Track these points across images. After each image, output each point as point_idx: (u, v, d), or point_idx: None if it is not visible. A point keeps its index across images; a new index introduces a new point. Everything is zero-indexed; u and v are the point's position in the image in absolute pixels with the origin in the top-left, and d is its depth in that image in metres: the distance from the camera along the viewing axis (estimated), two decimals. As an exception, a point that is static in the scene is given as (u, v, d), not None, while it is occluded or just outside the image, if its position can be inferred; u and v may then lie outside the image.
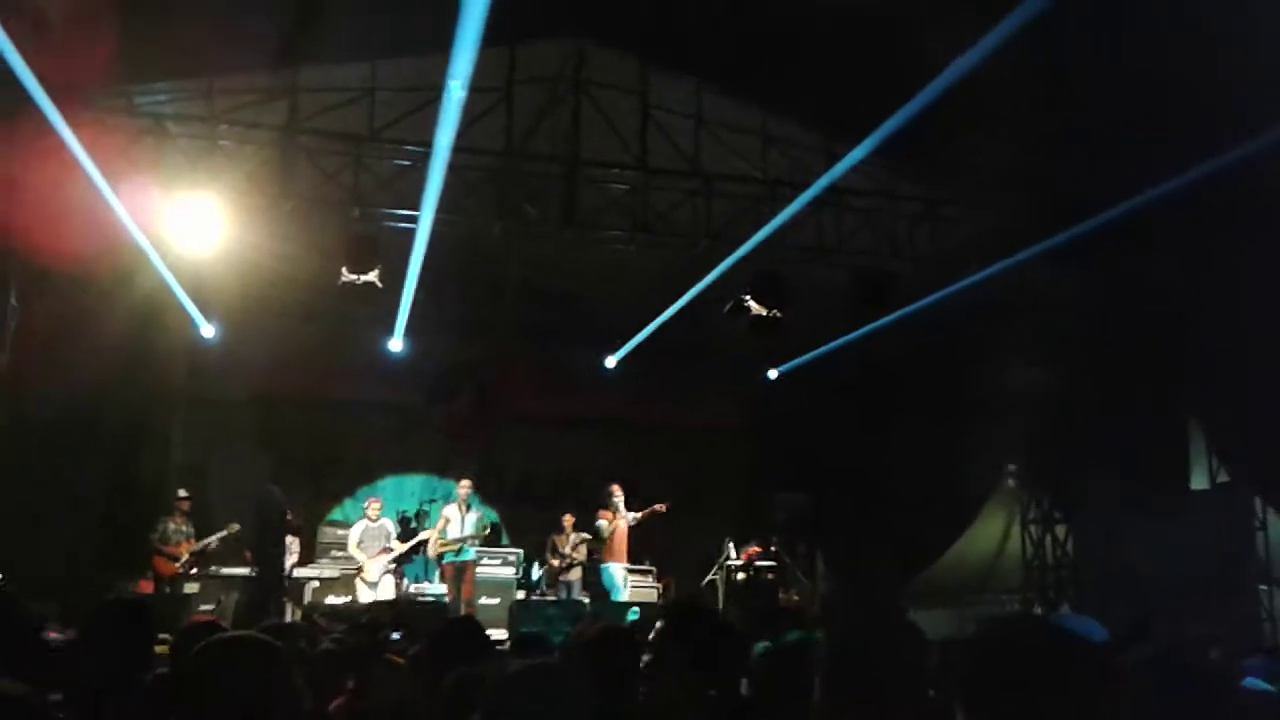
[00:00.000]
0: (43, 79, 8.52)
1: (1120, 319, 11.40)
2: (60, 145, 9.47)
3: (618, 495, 12.93)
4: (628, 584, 12.89)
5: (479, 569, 12.73)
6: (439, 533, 12.49)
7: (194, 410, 14.36)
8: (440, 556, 12.41)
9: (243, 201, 11.09)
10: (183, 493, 12.45)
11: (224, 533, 12.29)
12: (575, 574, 13.46)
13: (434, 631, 4.89)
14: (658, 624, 3.87)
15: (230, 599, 11.83)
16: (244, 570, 12.08)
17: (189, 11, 9.08)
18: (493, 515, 12.93)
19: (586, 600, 13.04)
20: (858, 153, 10.12)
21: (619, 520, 12.77)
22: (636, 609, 12.57)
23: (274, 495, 11.96)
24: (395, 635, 7.52)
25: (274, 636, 3.93)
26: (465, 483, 12.86)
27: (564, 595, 13.12)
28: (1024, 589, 12.98)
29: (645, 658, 3.53)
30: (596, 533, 13.05)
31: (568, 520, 13.65)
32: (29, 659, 3.57)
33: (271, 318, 13.52)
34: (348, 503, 15.27)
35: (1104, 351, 11.79)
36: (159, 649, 4.79)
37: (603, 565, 12.90)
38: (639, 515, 12.86)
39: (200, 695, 2.46)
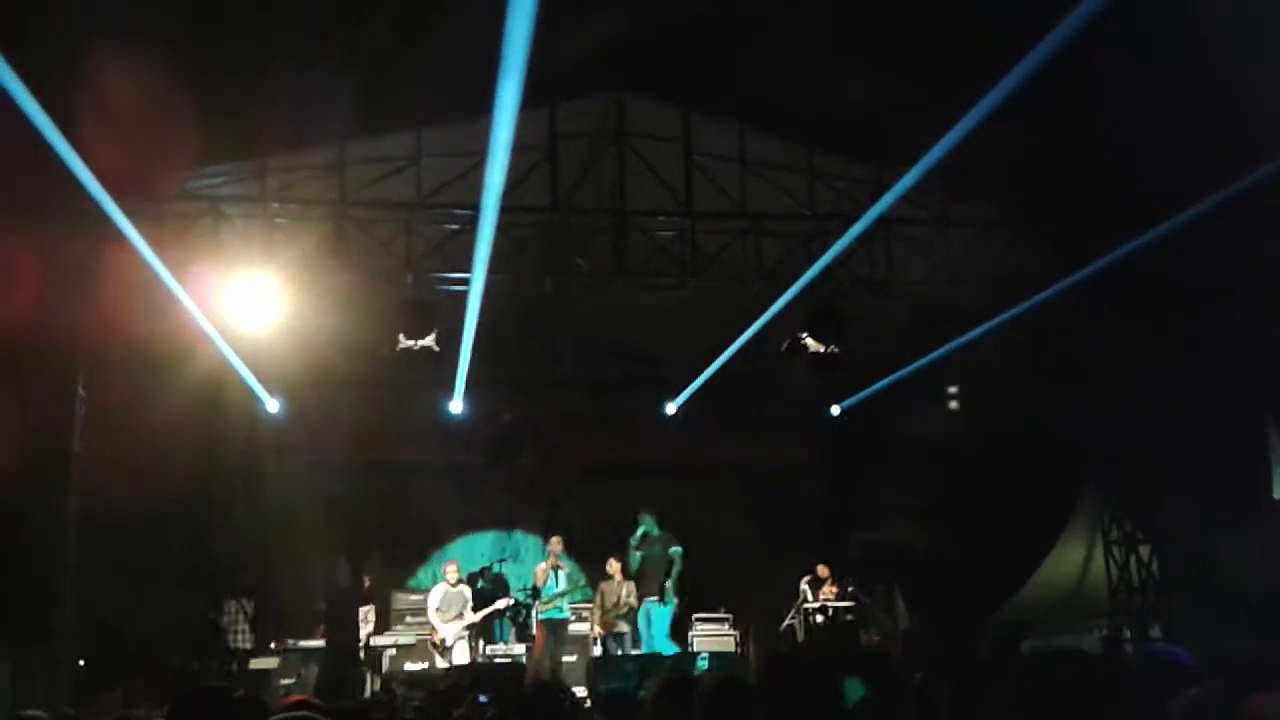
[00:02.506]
0: (107, 176, 8.72)
1: (1191, 330, 11.15)
2: (119, 234, 9.70)
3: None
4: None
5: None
6: (539, 591, 12.44)
7: (260, 485, 14.48)
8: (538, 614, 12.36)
9: (299, 276, 11.25)
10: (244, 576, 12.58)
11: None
12: (627, 626, 13.12)
13: (522, 698, 4.82)
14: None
15: (310, 672, 11.84)
16: (319, 643, 12.10)
17: (241, 96, 9.28)
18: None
19: (665, 654, 12.86)
20: (906, 181, 10.04)
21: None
22: (706, 657, 12.40)
23: (340, 568, 12.02)
24: (482, 698, 7.45)
25: (355, 712, 3.90)
26: (556, 539, 12.79)
27: (614, 648, 12.88)
28: (1111, 614, 12.62)
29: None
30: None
31: (614, 567, 13.34)
32: None
33: (333, 388, 13.66)
34: (420, 569, 15.28)
35: (1175, 363, 11.53)
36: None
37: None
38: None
39: None
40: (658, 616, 12.69)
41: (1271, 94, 8.22)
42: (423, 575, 14.90)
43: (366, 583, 12.88)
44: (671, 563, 12.74)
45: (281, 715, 3.75)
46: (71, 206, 9.47)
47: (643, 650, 12.35)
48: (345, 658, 11.66)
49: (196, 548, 12.99)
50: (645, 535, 12.89)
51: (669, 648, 12.44)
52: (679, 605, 12.96)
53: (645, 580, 12.73)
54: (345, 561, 12.16)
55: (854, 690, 3.65)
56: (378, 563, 14.65)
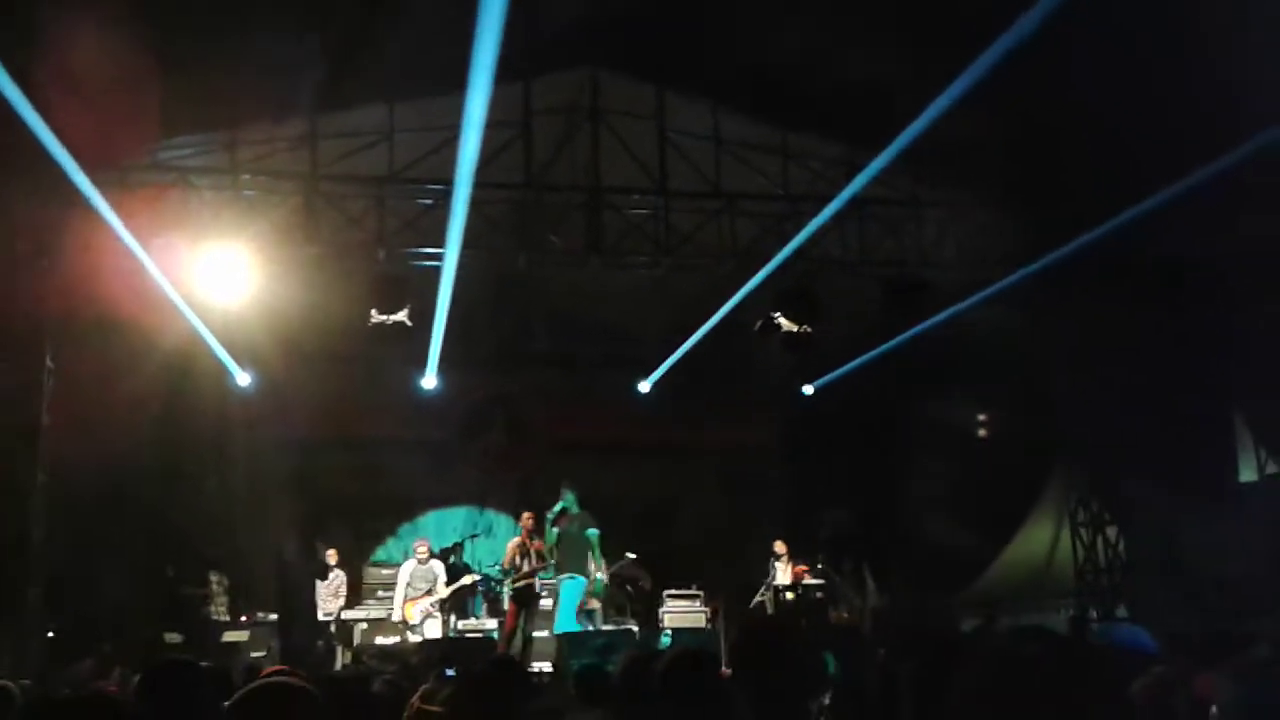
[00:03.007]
0: (74, 144, 8.63)
1: (1158, 314, 11.25)
2: (87, 205, 9.61)
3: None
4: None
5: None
6: (507, 566, 12.41)
7: (230, 458, 14.42)
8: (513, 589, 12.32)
9: (270, 250, 11.18)
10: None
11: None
12: (596, 603, 13.05)
13: (472, 673, 4.84)
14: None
15: (276, 645, 11.88)
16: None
17: (210, 66, 9.19)
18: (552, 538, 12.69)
19: (635, 629, 12.93)
20: (879, 163, 10.07)
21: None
22: (669, 634, 12.47)
23: (289, 544, 12.03)
24: (450, 672, 7.47)
25: (327, 685, 3.91)
26: (527, 515, 12.64)
27: (586, 624, 12.92)
28: (1078, 594, 12.76)
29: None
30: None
31: None
32: None
33: (304, 363, 13.60)
34: (390, 541, 15.27)
35: (1144, 347, 11.64)
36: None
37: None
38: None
39: None
40: (567, 592, 12.27)
41: (1248, 72, 8.28)
42: (393, 547, 14.87)
43: (329, 557, 12.84)
44: (590, 544, 12.40)
45: (260, 681, 3.77)
46: (39, 175, 9.38)
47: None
48: (302, 630, 11.70)
49: (165, 519, 12.94)
50: (564, 511, 12.44)
51: (571, 624, 12.04)
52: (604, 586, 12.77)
53: (562, 557, 12.27)
54: (295, 536, 12.13)
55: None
56: (348, 537, 14.67)
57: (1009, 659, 2.16)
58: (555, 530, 12.38)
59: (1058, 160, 10.44)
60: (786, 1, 10.03)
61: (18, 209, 10.17)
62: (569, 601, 12.25)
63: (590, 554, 12.39)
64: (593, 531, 12.39)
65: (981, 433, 14.24)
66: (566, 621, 12.10)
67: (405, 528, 15.11)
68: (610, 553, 13.41)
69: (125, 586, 12.05)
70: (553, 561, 12.41)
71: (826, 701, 4.30)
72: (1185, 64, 8.56)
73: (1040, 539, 13.92)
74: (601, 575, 12.67)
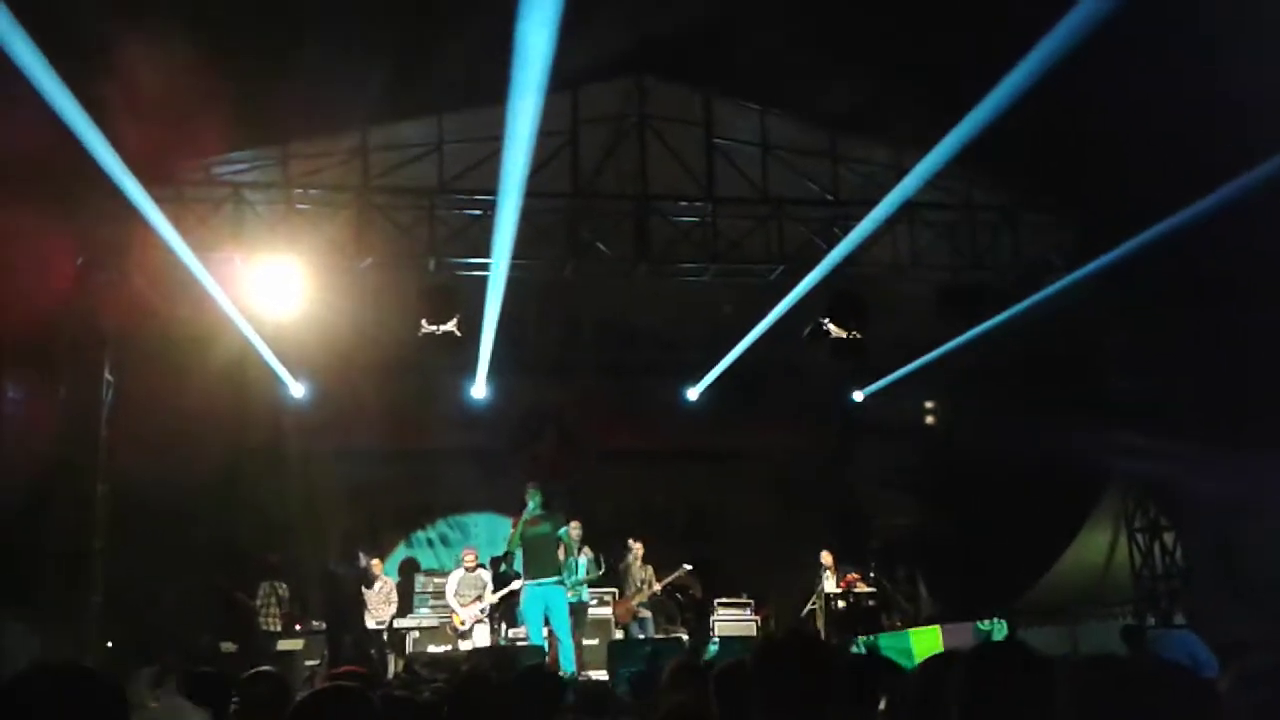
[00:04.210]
0: (132, 160, 8.79)
1: (1216, 317, 11.05)
2: (144, 221, 9.79)
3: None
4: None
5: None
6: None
7: (284, 468, 14.58)
8: None
9: (322, 262, 11.32)
10: (273, 556, 12.66)
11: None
12: (648, 612, 13.16)
13: (515, 675, 4.85)
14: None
15: (328, 654, 12.02)
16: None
17: (263, 82, 9.33)
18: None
19: (685, 637, 12.91)
20: (926, 164, 10.00)
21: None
22: (716, 643, 12.41)
23: (332, 559, 12.12)
24: None
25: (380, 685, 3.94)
26: (575, 524, 12.60)
27: (637, 633, 12.92)
28: (1135, 600, 12.55)
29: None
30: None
31: (637, 547, 13.39)
32: None
33: (356, 373, 13.72)
34: (441, 550, 15.31)
35: (1201, 351, 11.44)
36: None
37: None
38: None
39: None
40: (538, 599, 11.68)
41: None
42: (445, 558, 14.95)
43: (374, 567, 12.92)
44: (563, 542, 12.03)
45: (327, 683, 3.82)
46: (98, 193, 9.56)
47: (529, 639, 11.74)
48: (353, 640, 11.80)
49: (223, 531, 13.12)
50: (533, 514, 11.90)
51: (538, 636, 11.63)
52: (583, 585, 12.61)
53: (531, 560, 11.81)
54: (343, 545, 12.23)
55: None
56: (400, 547, 14.82)
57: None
58: (519, 532, 11.89)
59: (1115, 161, 10.28)
60: (832, 5, 9.98)
61: (77, 225, 10.36)
62: (537, 609, 11.66)
63: (562, 553, 12.04)
64: (564, 531, 12.10)
65: (1036, 438, 14.03)
66: (536, 632, 11.67)
67: (455, 537, 15.20)
68: (664, 563, 13.42)
69: (182, 597, 12.24)
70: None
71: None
72: (1251, 61, 8.39)
73: (1098, 546, 13.69)
74: (583, 562, 12.57)
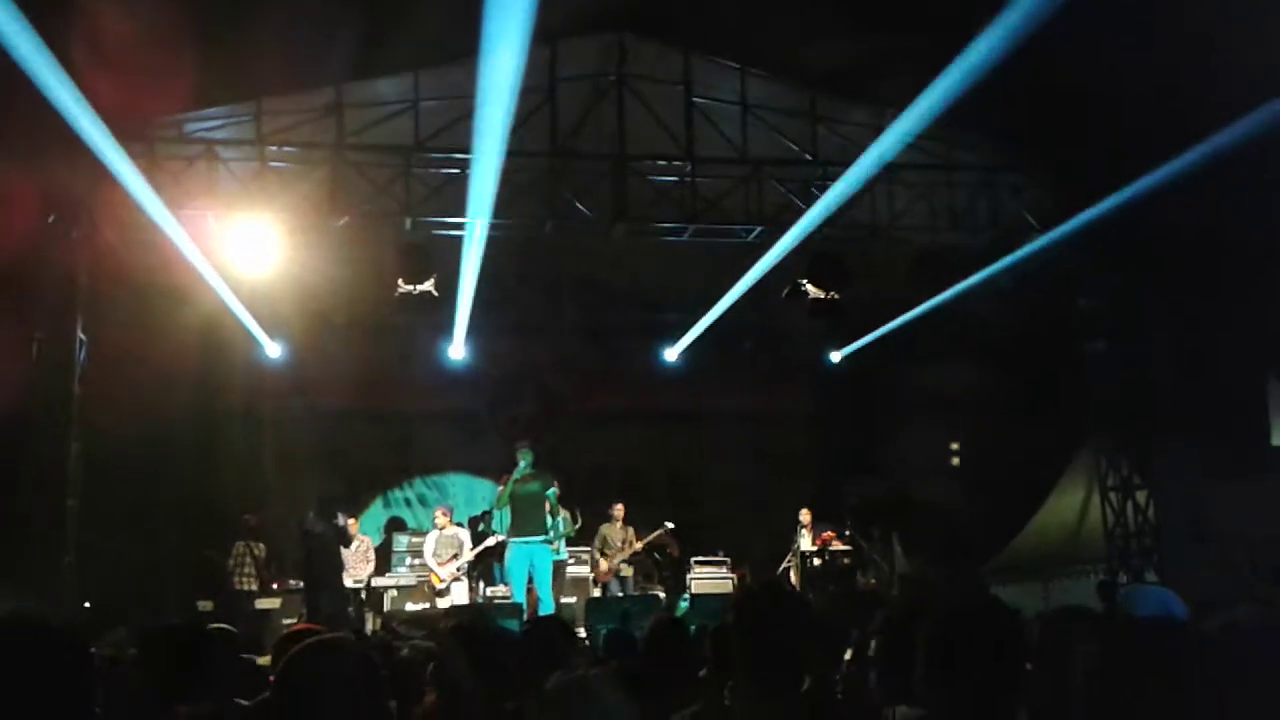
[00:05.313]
0: (103, 110, 8.66)
1: (1191, 279, 11.12)
2: (117, 177, 9.66)
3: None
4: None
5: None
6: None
7: (259, 429, 14.53)
8: None
9: (297, 220, 11.20)
10: (249, 516, 12.63)
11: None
12: (629, 569, 13.31)
13: (525, 630, 4.88)
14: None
15: (305, 612, 12.03)
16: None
17: (236, 36, 9.19)
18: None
19: (662, 594, 13.01)
20: (905, 123, 9.98)
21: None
22: (687, 599, 12.52)
23: (308, 518, 12.11)
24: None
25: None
26: (554, 485, 12.53)
27: (616, 590, 13.02)
28: (1108, 559, 12.70)
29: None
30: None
31: (618, 510, 13.50)
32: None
33: (332, 333, 13.67)
34: (420, 510, 15.33)
35: (1176, 312, 11.52)
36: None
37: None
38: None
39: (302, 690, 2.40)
40: (523, 556, 11.81)
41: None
42: (423, 518, 14.96)
43: (350, 526, 12.92)
44: (550, 502, 12.01)
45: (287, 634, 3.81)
46: (70, 149, 9.41)
47: (512, 596, 11.84)
48: (330, 598, 11.82)
49: (197, 489, 13.08)
50: (524, 473, 11.93)
51: (549, 602, 11.73)
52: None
53: (520, 519, 11.84)
54: (319, 504, 12.21)
55: None
56: (377, 505, 14.83)
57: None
58: (508, 490, 11.93)
59: (1092, 122, 10.28)
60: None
61: (48, 182, 10.22)
62: (522, 567, 11.76)
63: (548, 511, 12.07)
64: (552, 491, 12.04)
65: (1011, 399, 14.13)
66: (520, 590, 11.76)
67: (433, 497, 15.22)
68: (643, 523, 13.51)
69: (158, 556, 12.21)
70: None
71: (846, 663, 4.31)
72: (1226, 22, 8.38)
73: (1071, 504, 13.84)
74: (565, 520, 12.70)
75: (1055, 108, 10.05)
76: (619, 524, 13.44)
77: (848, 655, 4.30)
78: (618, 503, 13.60)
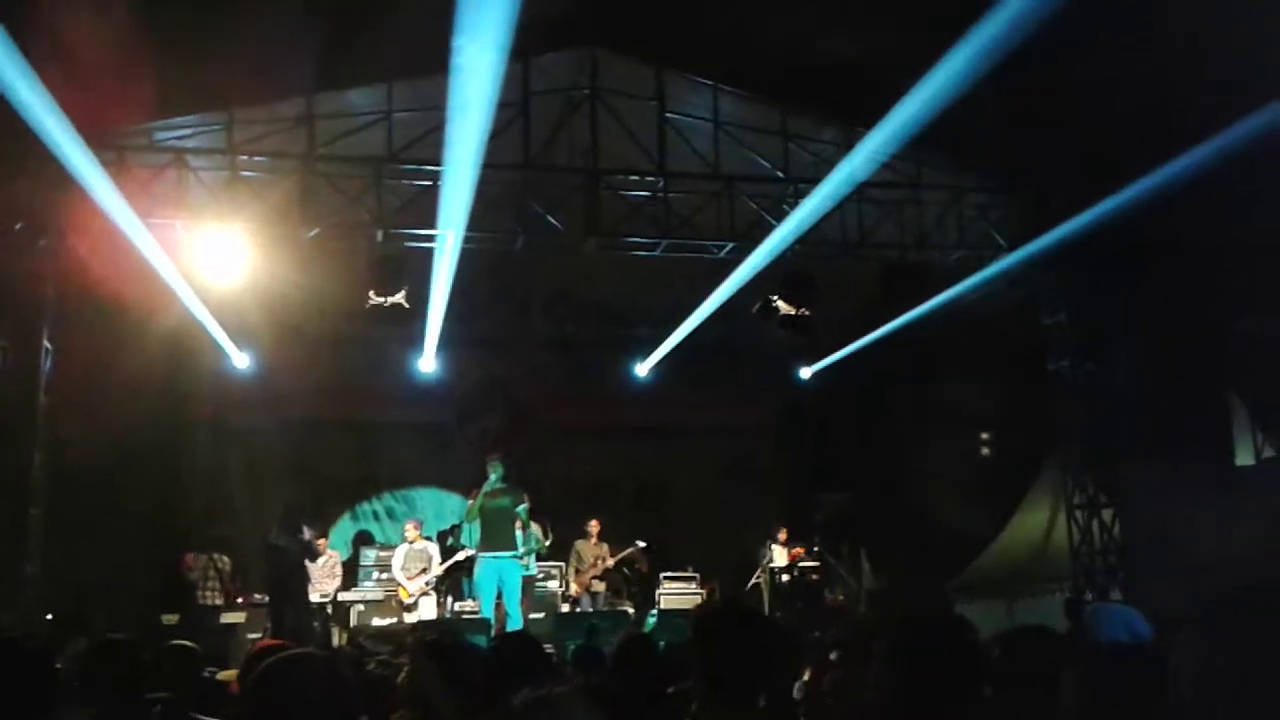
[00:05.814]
0: (71, 117, 8.59)
1: (1156, 297, 11.25)
2: (85, 186, 9.58)
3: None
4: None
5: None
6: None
7: (227, 440, 14.41)
8: None
9: (267, 231, 11.14)
10: (214, 529, 12.51)
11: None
12: (601, 585, 13.30)
13: (493, 646, 4.86)
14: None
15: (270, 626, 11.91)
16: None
17: (207, 45, 9.14)
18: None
19: (630, 610, 12.99)
20: (873, 141, 10.07)
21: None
22: (654, 614, 12.50)
23: (272, 533, 12.00)
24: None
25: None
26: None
27: (587, 606, 12.98)
28: (1074, 577, 12.78)
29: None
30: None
31: (594, 526, 13.47)
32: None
33: (301, 344, 13.59)
34: (387, 524, 15.23)
35: (1142, 330, 11.64)
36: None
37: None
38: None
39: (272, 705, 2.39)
40: (492, 572, 11.67)
41: (1256, 52, 8.24)
42: (391, 532, 14.87)
43: (317, 542, 12.80)
44: (519, 517, 11.92)
45: (256, 650, 3.78)
46: (37, 156, 9.33)
47: (480, 611, 11.75)
48: (294, 613, 11.70)
49: (163, 501, 12.95)
50: (494, 487, 11.79)
51: (517, 617, 11.60)
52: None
53: (489, 533, 11.68)
54: (284, 518, 12.10)
55: None
56: (345, 520, 14.72)
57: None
58: (478, 504, 11.76)
59: (1058, 141, 10.40)
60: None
61: (16, 190, 10.13)
62: (491, 582, 11.64)
63: (517, 527, 11.96)
64: (523, 508, 11.97)
65: (979, 416, 14.24)
66: (488, 605, 11.66)
67: (401, 510, 15.14)
68: (612, 538, 13.49)
69: (122, 567, 12.06)
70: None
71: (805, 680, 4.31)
72: (1192, 40, 8.51)
73: (1037, 522, 13.94)
74: (535, 535, 12.70)
75: (1022, 129, 10.16)
76: (594, 540, 13.41)
77: (806, 674, 4.30)
78: (592, 519, 13.57)
